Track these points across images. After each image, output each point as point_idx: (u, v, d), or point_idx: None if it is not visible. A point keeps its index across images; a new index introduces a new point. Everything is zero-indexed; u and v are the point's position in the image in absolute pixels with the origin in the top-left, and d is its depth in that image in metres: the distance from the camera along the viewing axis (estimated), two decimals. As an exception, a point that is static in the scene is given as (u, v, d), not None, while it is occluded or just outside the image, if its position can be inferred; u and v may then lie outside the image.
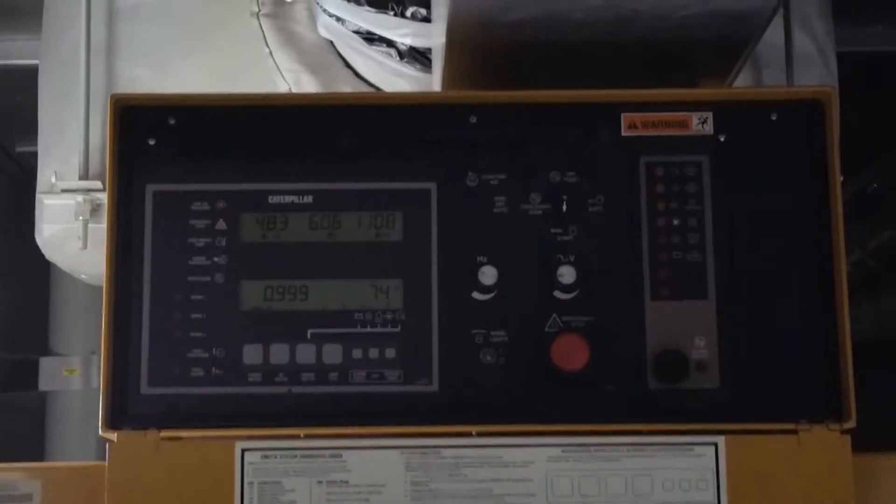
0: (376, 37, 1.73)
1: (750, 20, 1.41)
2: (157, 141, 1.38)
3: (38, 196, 1.90)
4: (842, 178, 1.41)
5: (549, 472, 1.33)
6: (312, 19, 1.85)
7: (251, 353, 1.34)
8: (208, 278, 1.36)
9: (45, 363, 3.00)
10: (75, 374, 2.95)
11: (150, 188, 1.37)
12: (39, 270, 2.89)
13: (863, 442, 1.37)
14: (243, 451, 1.33)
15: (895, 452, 1.43)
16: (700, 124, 1.40)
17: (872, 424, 1.40)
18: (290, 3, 1.87)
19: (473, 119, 1.39)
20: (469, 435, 1.34)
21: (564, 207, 1.37)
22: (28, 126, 2.02)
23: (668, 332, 1.35)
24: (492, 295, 1.36)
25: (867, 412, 1.38)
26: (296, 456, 1.33)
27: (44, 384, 2.99)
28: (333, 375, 1.34)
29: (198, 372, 1.34)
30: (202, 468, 1.32)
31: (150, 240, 1.36)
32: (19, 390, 3.00)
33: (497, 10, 1.37)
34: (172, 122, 1.38)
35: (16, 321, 3.06)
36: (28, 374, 2.97)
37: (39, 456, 2.96)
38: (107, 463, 1.32)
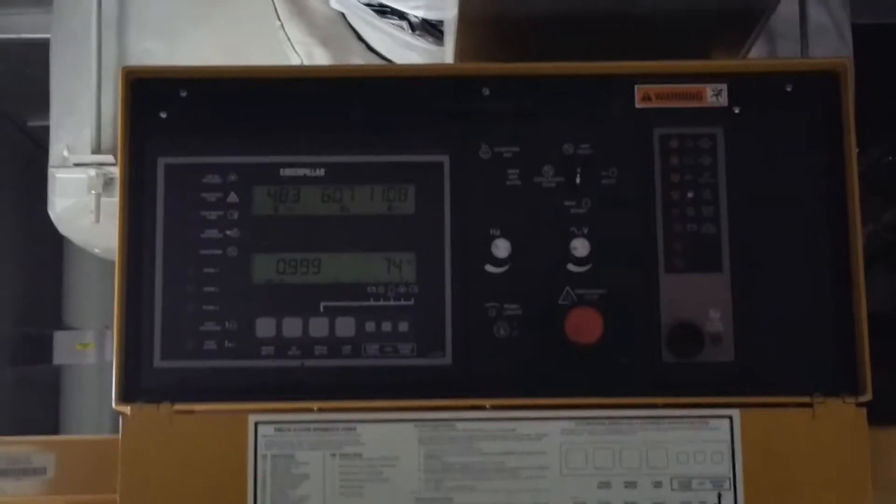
0: (388, 9, 1.72)
1: (764, -9, 1.40)
2: (169, 114, 1.38)
3: (50, 170, 1.90)
4: (857, 151, 1.40)
5: (562, 445, 1.33)
6: (324, -9, 1.84)
7: (264, 327, 1.34)
8: (220, 251, 1.35)
9: (59, 337, 3.00)
10: (90, 347, 2.95)
11: (162, 161, 1.37)
12: (53, 245, 2.90)
13: (879, 415, 1.36)
14: (256, 424, 1.33)
15: (911, 426, 1.42)
16: (714, 96, 1.39)
17: (889, 397, 1.40)
18: (301, -25, 1.86)
19: (486, 91, 1.39)
20: (483, 408, 1.34)
21: (578, 180, 1.36)
22: (40, 100, 2.02)
23: (683, 304, 1.35)
24: (505, 268, 1.35)
25: (883, 385, 1.37)
26: (309, 429, 1.33)
27: (58, 358, 2.99)
28: (346, 349, 1.34)
29: (210, 345, 1.34)
30: (215, 441, 1.32)
31: (162, 213, 1.36)
32: (33, 364, 3.01)
33: (509, -19, 1.36)
34: (184, 94, 1.38)
35: (30, 295, 3.06)
36: (42, 348, 2.98)
37: (54, 430, 2.97)
38: (120, 436, 1.32)
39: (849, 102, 1.38)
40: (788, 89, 1.39)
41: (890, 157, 2.98)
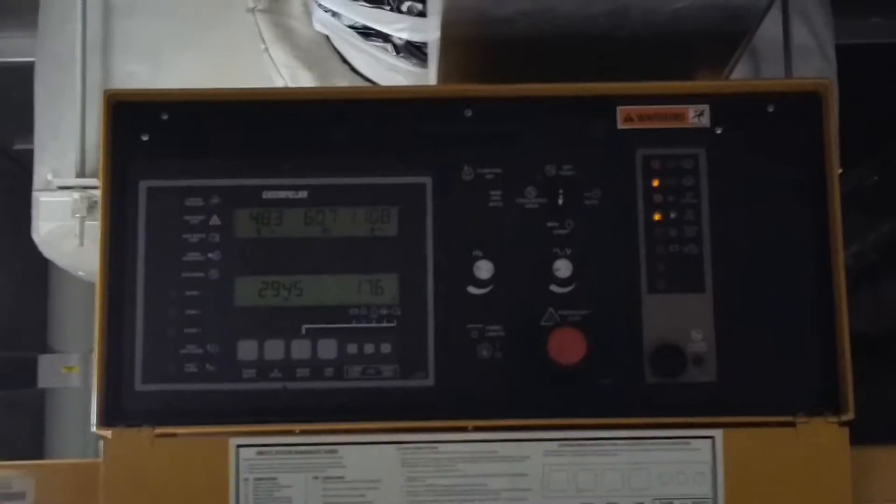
0: (372, 31, 1.73)
1: (745, 13, 1.41)
2: (151, 136, 1.38)
3: (34, 194, 1.90)
4: (840, 171, 1.40)
5: (545, 467, 1.33)
6: (308, 14, 1.84)
7: (246, 349, 1.34)
8: (202, 274, 1.35)
9: (44, 360, 3.00)
10: (74, 371, 2.95)
11: (144, 184, 1.37)
12: (37, 268, 2.89)
13: (862, 434, 1.36)
14: (238, 447, 1.32)
15: (893, 445, 1.42)
16: (696, 117, 1.39)
17: (872, 417, 1.40)
18: (285, -3, 1.87)
19: (469, 113, 1.39)
20: (465, 430, 1.34)
21: (560, 201, 1.37)
22: (25, 123, 2.02)
23: (665, 325, 1.35)
24: (488, 289, 1.35)
25: (866, 404, 1.37)
26: (291, 452, 1.33)
27: (43, 381, 2.99)
28: (329, 371, 1.34)
29: (192, 368, 1.33)
30: (197, 464, 1.32)
31: (144, 236, 1.35)
32: (18, 388, 3.00)
33: (490, 4, 1.36)
34: (166, 117, 1.38)
35: (14, 319, 3.06)
36: (27, 372, 2.97)
37: (38, 454, 2.96)
38: (101, 460, 1.32)
39: (831, 123, 1.38)
40: (770, 110, 1.39)
41: (875, 178, 2.99)
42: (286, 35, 1.87)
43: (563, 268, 1.35)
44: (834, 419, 1.33)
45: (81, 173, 1.86)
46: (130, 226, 1.36)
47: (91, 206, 1.85)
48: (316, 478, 1.32)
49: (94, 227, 1.81)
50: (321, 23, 1.80)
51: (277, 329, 1.34)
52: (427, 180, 1.37)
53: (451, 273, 1.35)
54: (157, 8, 1.92)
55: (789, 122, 1.39)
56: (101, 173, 1.36)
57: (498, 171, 1.37)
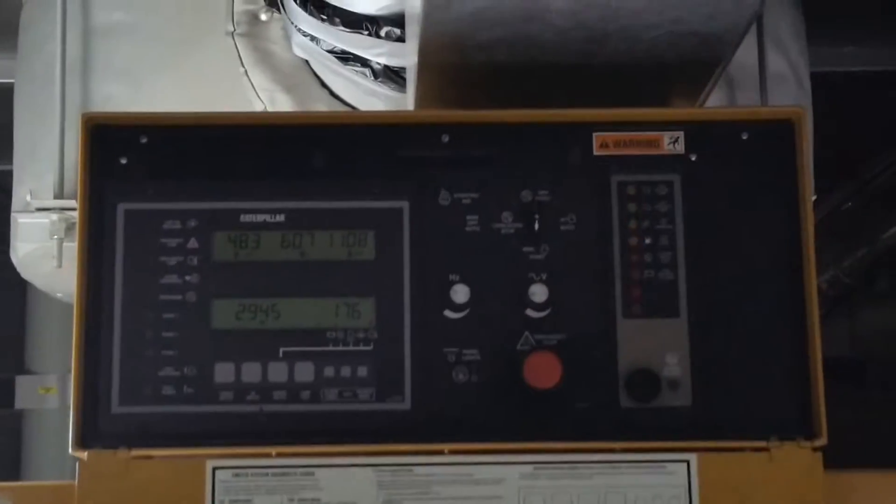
0: (351, 56, 1.74)
1: (719, 41, 1.42)
2: (129, 159, 1.38)
3: (12, 215, 1.89)
4: (814, 198, 1.41)
5: (521, 490, 1.33)
6: (287, 38, 1.85)
7: (223, 372, 1.34)
8: (180, 297, 1.35)
9: (22, 381, 2.99)
10: (52, 392, 2.94)
11: (122, 207, 1.37)
12: (15, 289, 2.89)
13: (839, 458, 1.37)
14: (214, 469, 1.32)
15: (866, 469, 1.43)
16: (671, 144, 1.40)
17: (848, 440, 1.41)
18: (264, 22, 1.88)
19: (446, 138, 1.40)
20: (441, 453, 1.34)
21: (536, 226, 1.38)
22: (3, 145, 2.02)
23: (640, 350, 1.36)
24: (464, 313, 1.36)
25: (842, 428, 1.38)
26: (267, 474, 1.33)
27: (20, 402, 2.98)
28: (305, 394, 1.34)
29: (169, 390, 1.33)
30: (173, 487, 1.32)
31: (122, 258, 1.36)
32: (-5, 409, 2.99)
33: (468, 31, 1.38)
34: (144, 140, 1.38)
35: (-9, 340, 3.05)
36: (4, 393, 2.96)
37: (16, 475, 2.95)
38: (76, 482, 1.32)
39: (805, 151, 1.40)
40: (745, 137, 1.41)
41: (849, 204, 3.02)
42: (265, 59, 1.87)
43: (538, 292, 1.36)
44: (807, 444, 1.34)
45: (60, 195, 1.86)
46: (108, 248, 1.36)
47: (69, 228, 1.85)
48: (292, 500, 1.32)
49: (73, 248, 1.80)
50: (300, 47, 1.81)
51: (254, 352, 1.34)
52: (404, 204, 1.38)
53: (427, 297, 1.36)
54: (137, 30, 1.92)
55: (763, 150, 1.40)
56: (79, 196, 1.37)
57: (474, 195, 1.38)
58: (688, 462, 1.34)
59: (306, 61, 1.87)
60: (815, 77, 1.97)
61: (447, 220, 1.38)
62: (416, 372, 1.35)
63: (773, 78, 1.90)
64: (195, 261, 1.36)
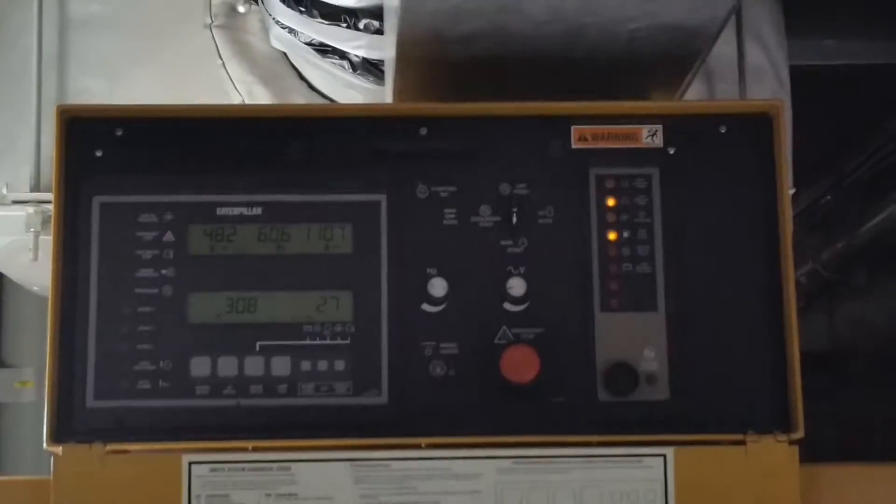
0: (329, 48, 1.73)
1: (698, 34, 1.42)
2: (105, 152, 1.37)
3: (-12, 207, 1.89)
4: (793, 191, 1.41)
5: (498, 484, 1.33)
6: (265, 31, 1.85)
7: (199, 366, 1.33)
8: (156, 290, 1.35)
9: (-3, 375, 2.98)
10: (28, 385, 2.93)
11: (97, 200, 1.36)
12: (-9, 282, 2.88)
13: (816, 449, 1.38)
14: (190, 464, 1.32)
15: (842, 463, 1.43)
16: (650, 137, 1.40)
17: (827, 432, 1.41)
18: (242, 14, 1.87)
19: (424, 131, 1.39)
20: (418, 447, 1.34)
21: (514, 219, 1.37)
22: (-21, 137, 2.00)
23: (618, 343, 1.36)
24: (442, 307, 1.36)
25: (820, 420, 1.39)
26: (244, 469, 1.32)
27: (-5, 396, 2.97)
28: (282, 388, 1.34)
29: (144, 385, 1.33)
30: (149, 482, 1.31)
31: (97, 252, 1.35)
32: (-29, 403, 2.98)
33: (446, 24, 1.37)
34: (120, 133, 1.38)
35: (-32, 334, 3.04)
36: (-21, 387, 2.95)
37: (-8, 469, 2.94)
38: (51, 477, 1.31)
39: (782, 144, 1.40)
40: (723, 130, 1.41)
41: (828, 197, 3.02)
42: (243, 51, 1.87)
43: (516, 286, 1.35)
44: (784, 437, 1.34)
45: (36, 188, 1.85)
46: (83, 241, 1.35)
47: (46, 221, 1.84)
48: (269, 495, 1.32)
49: (49, 241, 1.80)
50: (278, 39, 1.80)
51: (231, 346, 1.34)
52: (382, 198, 1.38)
53: (405, 291, 1.36)
54: (114, 23, 1.91)
55: (741, 143, 1.40)
56: (54, 189, 1.36)
57: (452, 189, 1.38)
58: (664, 456, 1.34)
59: (284, 53, 1.86)
60: (794, 70, 1.97)
61: (425, 213, 1.37)
62: (394, 366, 1.34)
63: (752, 71, 1.90)
64: (171, 254, 1.35)
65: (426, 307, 1.36)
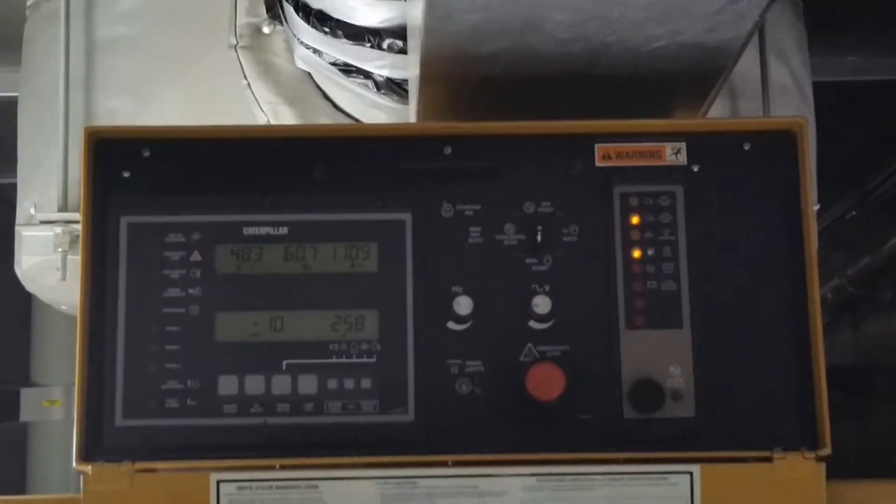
0: (353, 68, 1.74)
1: (721, 52, 1.42)
2: (132, 173, 1.38)
3: (17, 228, 1.90)
4: (817, 207, 1.41)
5: (524, 502, 1.33)
6: (290, 51, 1.86)
7: (226, 385, 1.34)
8: (183, 310, 1.36)
9: (26, 394, 2.99)
10: (57, 404, 2.94)
11: (125, 220, 1.37)
12: (20, 302, 2.89)
13: (845, 464, 1.37)
14: (218, 482, 1.32)
15: (869, 479, 1.43)
16: (673, 154, 1.40)
17: (855, 447, 1.41)
18: (267, 35, 1.88)
19: (448, 150, 1.40)
20: (445, 465, 1.34)
21: (539, 238, 1.38)
22: (8, 158, 2.02)
23: (643, 361, 1.36)
24: (467, 325, 1.36)
25: (847, 438, 1.38)
26: (271, 487, 1.33)
27: (25, 415, 2.98)
28: (309, 406, 1.34)
29: (173, 403, 1.34)
30: (177, 500, 1.32)
31: (125, 272, 1.36)
32: (0, 421, 2.99)
33: (469, 43, 1.38)
34: (147, 154, 1.39)
35: (-4, 352, 3.06)
36: (9, 406, 2.96)
37: (21, 488, 2.95)
38: (81, 496, 1.32)
39: (806, 161, 1.40)
40: (746, 148, 1.41)
41: (853, 213, 3.02)
42: (268, 71, 1.88)
43: (541, 304, 1.36)
44: (811, 454, 1.34)
45: (64, 208, 1.86)
46: (111, 261, 1.36)
47: (73, 241, 1.85)
48: (296, 513, 1.32)
49: (77, 261, 1.81)
50: (303, 59, 1.81)
51: (258, 364, 1.34)
52: (407, 216, 1.38)
53: (430, 309, 1.36)
54: (140, 44, 1.92)
55: (765, 160, 1.40)
56: (82, 209, 1.37)
57: (477, 207, 1.38)
58: (691, 473, 1.34)
59: (309, 74, 1.87)
60: (817, 87, 1.97)
61: (450, 231, 1.38)
62: (420, 384, 1.35)
63: (775, 88, 1.90)
64: (198, 274, 1.36)
65: (452, 325, 1.36)
